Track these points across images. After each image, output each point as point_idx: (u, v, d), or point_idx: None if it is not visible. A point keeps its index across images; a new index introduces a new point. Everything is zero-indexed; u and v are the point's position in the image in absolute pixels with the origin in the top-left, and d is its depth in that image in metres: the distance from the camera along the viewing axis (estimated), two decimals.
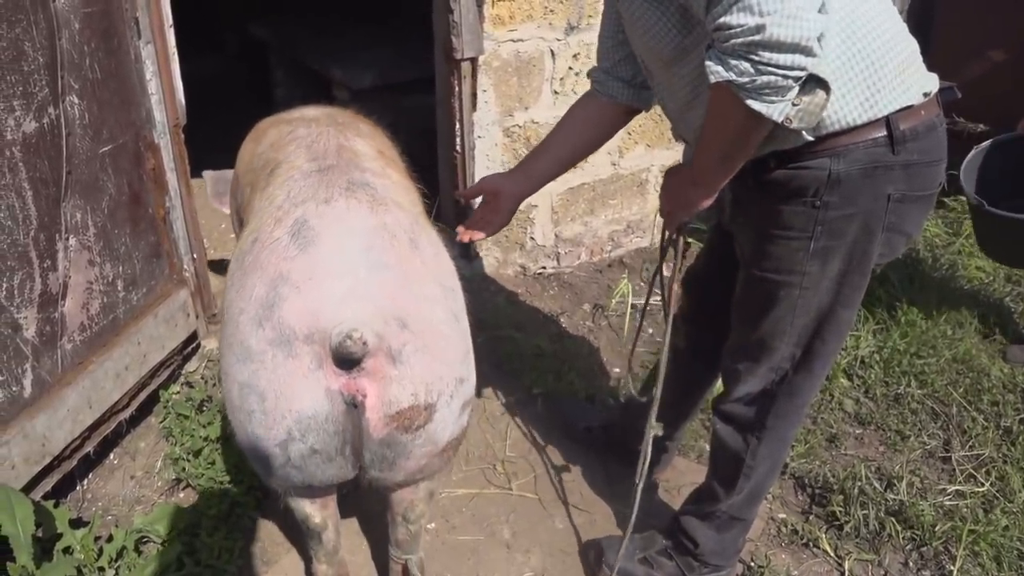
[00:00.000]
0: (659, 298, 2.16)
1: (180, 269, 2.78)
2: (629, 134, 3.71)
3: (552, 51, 3.37)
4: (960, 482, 2.65)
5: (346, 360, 1.49)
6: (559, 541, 2.45)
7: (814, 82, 1.42)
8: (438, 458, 1.72)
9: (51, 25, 2.07)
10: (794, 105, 1.43)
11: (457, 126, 3.30)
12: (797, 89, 1.41)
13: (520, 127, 3.44)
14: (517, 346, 3.21)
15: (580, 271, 3.88)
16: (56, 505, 2.24)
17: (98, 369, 2.37)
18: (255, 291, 1.56)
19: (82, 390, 2.31)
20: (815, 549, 2.44)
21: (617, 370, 3.20)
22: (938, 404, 2.99)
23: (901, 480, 2.61)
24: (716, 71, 1.42)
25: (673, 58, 1.68)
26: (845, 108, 1.60)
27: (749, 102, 1.41)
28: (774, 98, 1.40)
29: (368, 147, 1.99)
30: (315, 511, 1.82)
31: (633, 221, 4.01)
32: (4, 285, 2.04)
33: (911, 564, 2.41)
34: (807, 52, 1.35)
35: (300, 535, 2.13)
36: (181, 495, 2.55)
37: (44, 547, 2.13)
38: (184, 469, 2.55)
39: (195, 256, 2.85)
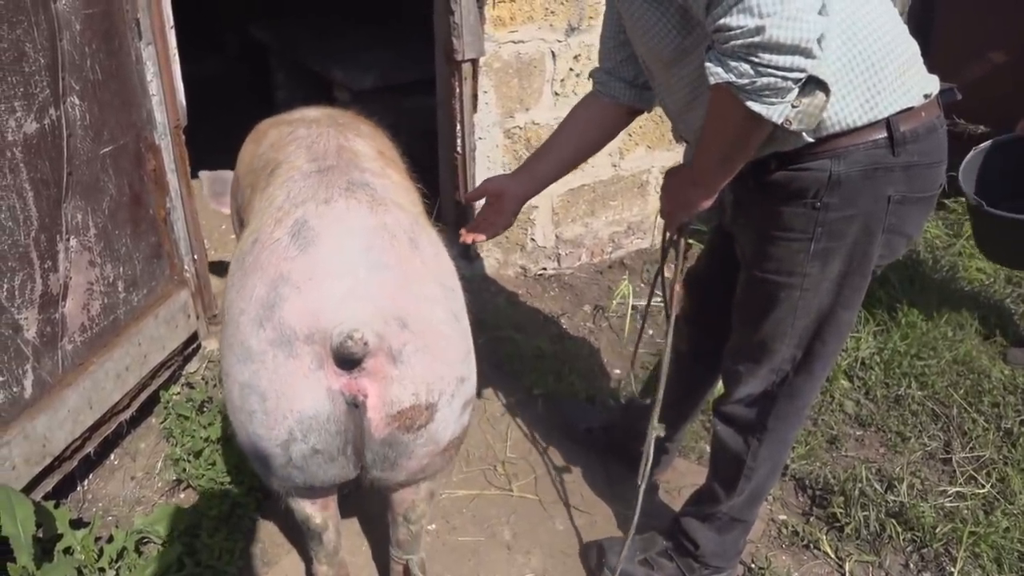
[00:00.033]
0: (660, 299, 2.15)
1: (181, 270, 2.79)
2: (630, 135, 3.72)
3: (553, 52, 3.37)
4: (961, 484, 2.65)
5: (347, 360, 1.49)
6: (560, 542, 2.45)
7: (814, 84, 1.42)
8: (440, 458, 1.72)
9: (52, 26, 2.07)
10: (793, 107, 1.43)
11: (458, 127, 3.30)
12: (797, 91, 1.41)
13: (521, 128, 3.45)
14: (518, 347, 3.21)
15: (581, 272, 3.88)
16: (57, 506, 2.24)
17: (99, 370, 2.37)
18: (255, 291, 1.57)
19: (83, 391, 2.31)
20: (816, 551, 2.44)
21: (618, 371, 3.20)
22: (939, 406, 2.98)
23: (902, 482, 2.61)
24: (716, 72, 1.42)
25: (673, 59, 1.68)
26: (845, 110, 1.60)
27: (749, 103, 1.41)
28: (774, 100, 1.41)
29: (368, 147, 2.00)
30: (316, 512, 1.82)
31: (634, 222, 4.01)
32: (5, 286, 2.04)
33: (912, 566, 2.40)
34: (807, 54, 1.35)
35: (301, 536, 2.13)
36: (182, 496, 2.55)
37: (44, 548, 2.13)
38: (185, 470, 2.55)
39: (196, 257, 2.85)
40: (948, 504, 2.56)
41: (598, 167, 3.72)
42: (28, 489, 2.18)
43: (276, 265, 1.57)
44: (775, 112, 1.42)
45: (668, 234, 2.01)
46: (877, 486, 2.62)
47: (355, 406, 1.52)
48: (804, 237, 1.72)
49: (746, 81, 1.38)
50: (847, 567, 2.38)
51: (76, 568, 2.12)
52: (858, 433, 2.90)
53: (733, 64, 1.39)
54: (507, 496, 2.60)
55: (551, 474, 2.68)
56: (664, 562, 2.25)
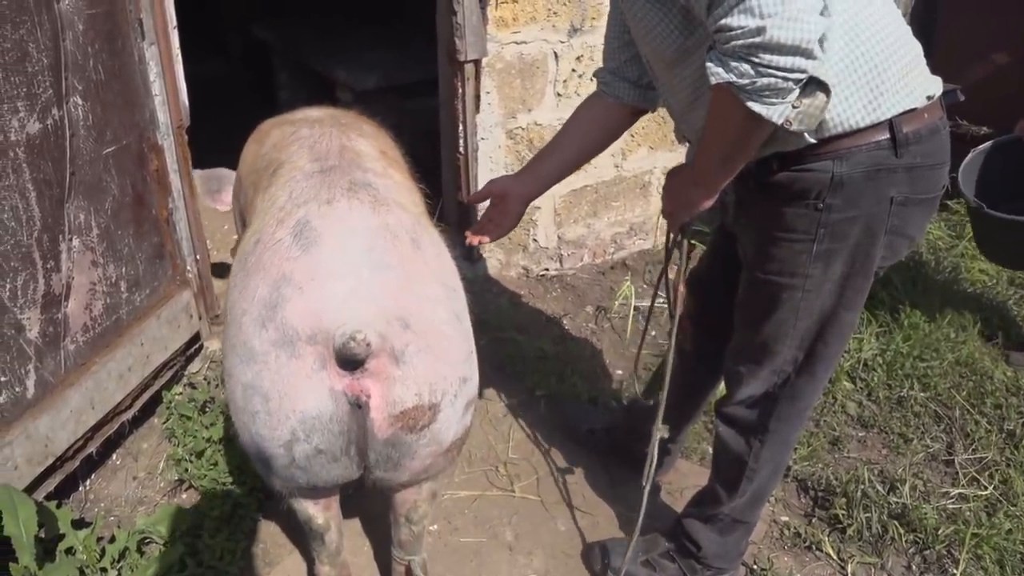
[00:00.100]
0: (664, 300, 2.15)
1: (183, 270, 2.79)
2: (632, 136, 3.72)
3: (555, 53, 3.37)
4: (963, 485, 2.65)
5: (349, 361, 1.49)
6: (561, 543, 2.45)
7: (814, 84, 1.42)
8: (442, 458, 1.72)
9: (55, 26, 2.07)
10: (794, 107, 1.43)
11: (460, 128, 3.30)
12: (797, 91, 1.41)
13: (523, 129, 3.45)
14: (520, 348, 3.21)
15: (583, 273, 3.88)
16: (59, 506, 2.24)
17: (101, 370, 2.37)
18: (258, 292, 1.57)
19: (85, 391, 2.31)
20: (818, 552, 2.44)
21: (620, 372, 3.20)
22: (941, 407, 2.98)
23: (904, 483, 2.61)
24: (717, 72, 1.42)
25: (675, 59, 1.68)
26: (848, 111, 1.60)
27: (749, 104, 1.41)
28: (774, 100, 1.40)
29: (370, 147, 2.00)
30: (318, 512, 1.82)
31: (636, 223, 4.01)
32: (8, 286, 2.04)
33: (914, 567, 2.40)
34: (807, 55, 1.35)
35: (303, 536, 2.13)
36: (184, 496, 2.55)
37: (47, 548, 2.13)
38: (187, 470, 2.55)
39: (198, 257, 2.85)
40: (950, 506, 2.56)
41: (600, 168, 3.72)
42: (30, 489, 2.18)
43: (278, 265, 1.57)
44: (775, 112, 1.42)
45: (671, 235, 2.01)
46: (879, 487, 2.61)
47: (358, 406, 1.52)
48: (806, 238, 1.72)
49: (747, 81, 1.38)
50: (849, 569, 2.37)
51: (78, 568, 2.12)
52: (860, 434, 2.89)
53: (734, 64, 1.38)
54: (509, 497, 2.60)
55: (553, 475, 2.68)
56: (666, 563, 2.25)
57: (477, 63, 3.19)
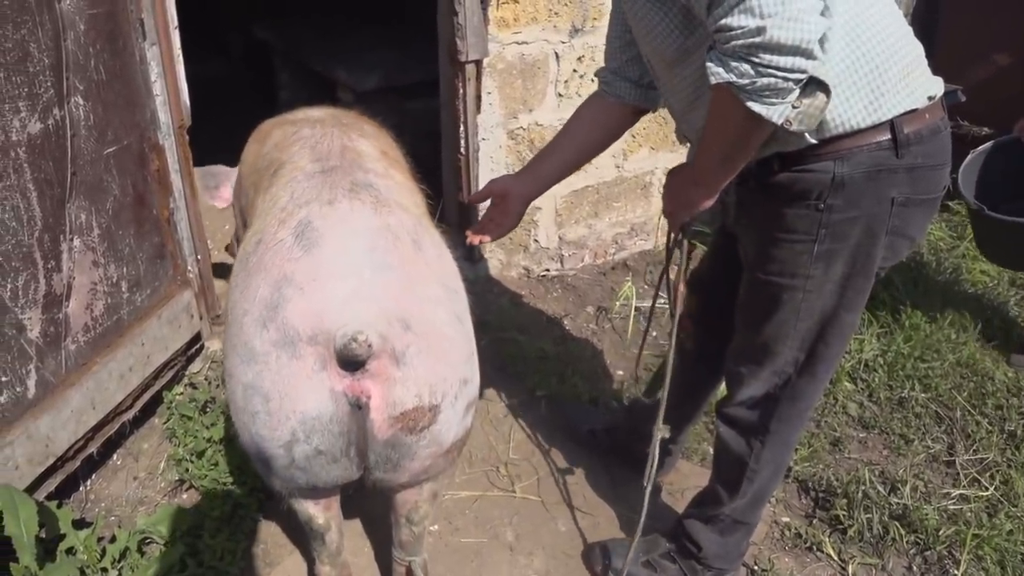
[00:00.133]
0: (664, 300, 2.15)
1: (184, 270, 2.79)
2: (633, 137, 3.72)
3: (556, 54, 3.37)
4: (964, 486, 2.65)
5: (350, 362, 1.49)
6: (562, 544, 2.45)
7: (814, 85, 1.42)
8: (442, 459, 1.72)
9: (56, 26, 2.07)
10: (794, 107, 1.43)
11: (461, 128, 3.30)
12: (797, 92, 1.41)
13: (524, 129, 3.45)
14: (520, 348, 3.21)
15: (584, 274, 3.88)
16: (59, 506, 2.24)
17: (102, 370, 2.37)
18: (259, 292, 1.57)
19: (86, 391, 2.31)
20: (819, 553, 2.44)
21: (620, 373, 3.20)
22: (942, 408, 2.98)
23: (905, 484, 2.61)
24: (717, 72, 1.42)
25: (676, 59, 1.68)
26: (849, 111, 1.60)
27: (749, 104, 1.41)
28: (774, 100, 1.40)
29: (372, 148, 2.00)
30: (318, 512, 1.82)
31: (637, 224, 4.01)
32: (9, 286, 2.04)
33: (915, 568, 2.40)
34: (807, 55, 1.35)
35: (303, 537, 2.13)
36: (184, 496, 2.55)
37: (47, 548, 2.13)
38: (187, 470, 2.55)
39: (199, 257, 2.85)
40: (951, 507, 2.56)
41: (601, 168, 3.72)
42: (31, 489, 2.18)
43: (280, 266, 1.57)
44: (775, 112, 1.42)
45: (672, 235, 2.01)
46: (880, 488, 2.61)
47: (358, 407, 1.52)
48: (807, 239, 1.72)
49: (747, 81, 1.38)
50: (850, 570, 2.37)
51: (79, 568, 2.12)
52: (861, 435, 2.89)
53: (734, 64, 1.38)
54: (510, 497, 2.59)
55: (554, 476, 2.68)
56: (667, 564, 2.25)
57: (478, 63, 3.19)
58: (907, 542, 2.46)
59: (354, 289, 1.52)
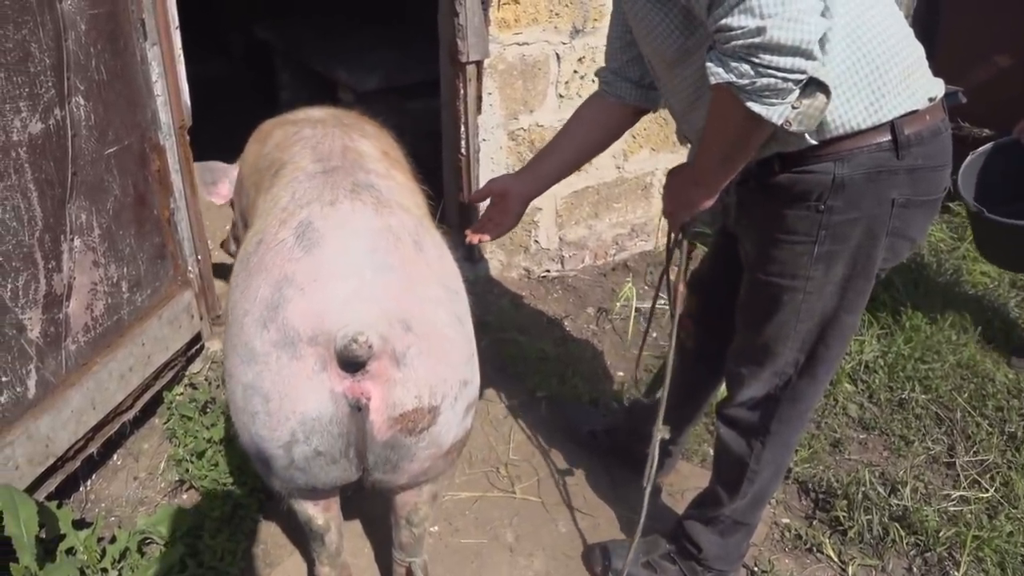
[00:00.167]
0: (665, 301, 2.15)
1: (185, 270, 2.79)
2: (634, 137, 3.72)
3: (557, 55, 3.37)
4: (964, 488, 2.65)
5: (351, 363, 1.49)
6: (562, 545, 2.45)
7: (814, 85, 1.42)
8: (442, 460, 1.72)
9: (58, 27, 2.07)
10: (794, 108, 1.43)
11: (462, 129, 3.30)
12: (797, 92, 1.41)
13: (525, 130, 3.45)
14: (521, 349, 3.21)
15: (584, 274, 3.88)
16: (59, 506, 2.24)
17: (102, 370, 2.37)
18: (259, 292, 1.57)
19: (86, 391, 2.31)
20: (819, 554, 2.44)
21: (621, 374, 3.20)
22: (942, 409, 2.98)
23: (905, 485, 2.61)
24: (716, 72, 1.42)
25: (676, 59, 1.68)
26: (850, 112, 1.60)
27: (749, 104, 1.41)
28: (774, 100, 1.40)
29: (373, 148, 2.00)
30: (318, 513, 1.82)
31: (637, 225, 4.01)
32: (9, 286, 2.04)
33: (915, 570, 2.40)
34: (807, 55, 1.35)
35: (303, 537, 2.13)
36: (184, 496, 2.55)
37: (47, 548, 2.13)
38: (187, 470, 2.55)
39: (200, 257, 2.85)
40: (952, 508, 2.56)
41: (602, 169, 3.72)
42: (31, 489, 2.18)
43: (280, 266, 1.57)
44: (775, 113, 1.42)
45: (672, 235, 2.01)
46: (880, 490, 2.61)
47: (358, 409, 1.52)
48: (807, 240, 1.72)
49: (746, 81, 1.38)
50: (850, 571, 2.37)
51: (79, 568, 2.12)
52: (862, 436, 2.89)
53: (734, 64, 1.38)
54: (510, 498, 2.59)
55: (554, 476, 2.68)
56: (667, 565, 2.25)
57: (479, 64, 3.19)
58: (907, 543, 2.46)
59: (355, 290, 1.52)
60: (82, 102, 2.20)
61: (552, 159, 2.16)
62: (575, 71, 3.44)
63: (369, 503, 2.38)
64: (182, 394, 2.84)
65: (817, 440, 2.82)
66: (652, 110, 2.08)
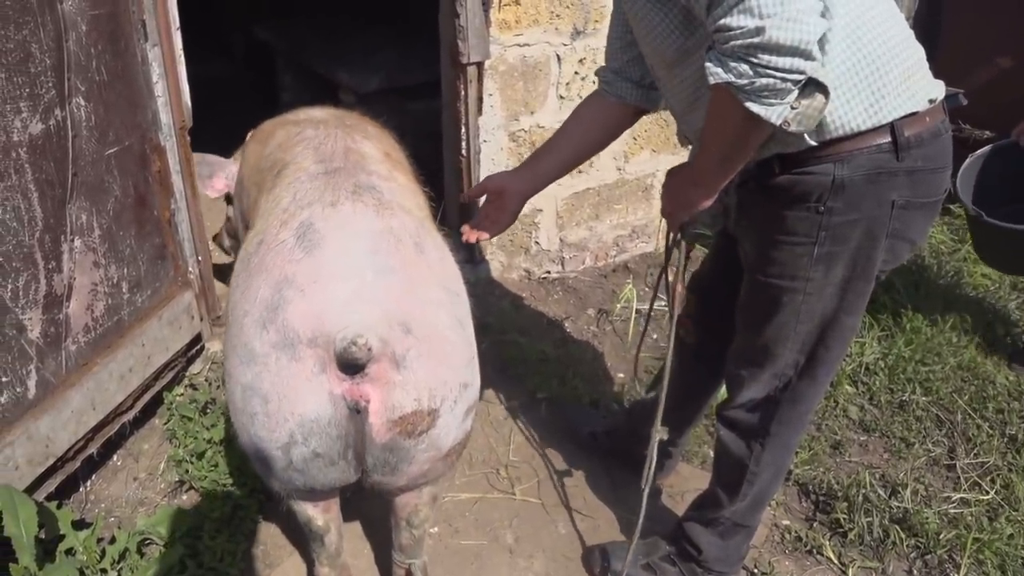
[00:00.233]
0: (664, 302, 2.15)
1: (185, 271, 2.79)
2: (635, 139, 3.71)
3: (558, 56, 3.37)
4: (965, 490, 2.64)
5: (350, 365, 1.49)
6: (562, 546, 2.44)
7: (813, 86, 1.42)
8: (441, 463, 1.72)
9: (58, 27, 2.07)
10: (792, 108, 1.43)
11: (463, 130, 3.30)
12: (796, 92, 1.41)
13: (526, 131, 3.45)
14: (521, 350, 3.21)
15: (585, 276, 3.87)
16: (59, 506, 2.24)
17: (102, 371, 2.37)
18: (259, 293, 1.57)
19: (86, 392, 2.31)
20: (819, 556, 2.44)
21: (621, 375, 3.20)
22: (943, 411, 2.98)
23: (905, 487, 2.60)
24: (715, 72, 1.42)
25: (676, 59, 1.68)
26: (850, 113, 1.60)
27: (748, 104, 1.41)
28: (772, 101, 1.40)
29: (375, 149, 2.00)
30: (318, 514, 1.82)
31: (638, 226, 4.00)
32: (9, 286, 2.04)
33: (915, 572, 2.40)
34: (806, 56, 1.35)
35: (303, 538, 2.13)
36: (184, 497, 2.55)
37: (47, 548, 2.13)
38: (187, 471, 2.55)
39: (200, 258, 2.85)
40: (952, 510, 2.56)
41: (602, 170, 3.72)
42: (31, 490, 2.18)
43: (281, 267, 1.57)
44: (774, 113, 1.42)
45: (672, 236, 2.01)
46: (881, 492, 2.61)
47: (357, 411, 1.52)
48: (807, 241, 1.72)
49: (745, 82, 1.38)
50: (850, 573, 2.37)
51: (78, 569, 2.12)
52: (862, 438, 2.89)
53: (733, 64, 1.38)
54: (510, 500, 2.59)
55: (554, 478, 2.68)
56: (667, 567, 2.24)
57: (480, 65, 3.19)
58: (907, 546, 2.45)
59: (355, 291, 1.52)
60: (83, 103, 2.20)
61: (550, 158, 2.16)
62: (576, 72, 3.44)
63: (369, 504, 2.38)
64: (182, 395, 2.84)
65: (817, 442, 2.82)
66: (652, 110, 2.08)
